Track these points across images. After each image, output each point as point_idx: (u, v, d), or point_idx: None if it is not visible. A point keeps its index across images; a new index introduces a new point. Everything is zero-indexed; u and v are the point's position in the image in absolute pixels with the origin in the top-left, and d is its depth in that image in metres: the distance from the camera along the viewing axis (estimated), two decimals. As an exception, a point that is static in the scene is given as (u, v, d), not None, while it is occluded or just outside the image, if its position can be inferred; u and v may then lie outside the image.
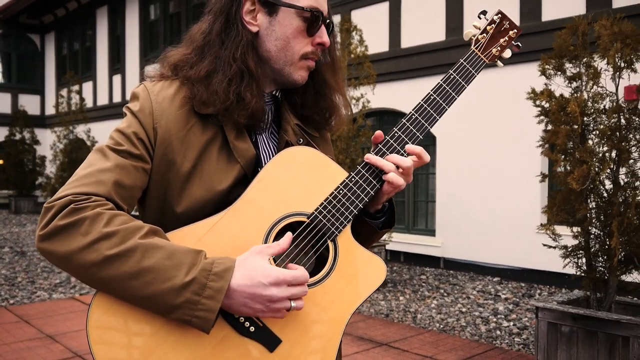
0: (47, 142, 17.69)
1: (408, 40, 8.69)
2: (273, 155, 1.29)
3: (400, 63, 8.69)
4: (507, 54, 1.38)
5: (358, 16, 8.98)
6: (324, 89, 1.38)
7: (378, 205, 1.31)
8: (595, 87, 3.80)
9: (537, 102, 4.00)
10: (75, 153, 14.80)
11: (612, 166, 3.71)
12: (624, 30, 3.62)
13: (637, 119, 3.68)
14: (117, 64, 16.05)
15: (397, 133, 1.27)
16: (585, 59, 3.85)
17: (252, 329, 1.12)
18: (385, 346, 4.65)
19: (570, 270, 4.03)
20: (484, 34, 1.36)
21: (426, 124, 1.28)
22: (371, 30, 8.50)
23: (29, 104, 18.80)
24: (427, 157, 1.26)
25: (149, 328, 1.08)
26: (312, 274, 1.17)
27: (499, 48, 1.36)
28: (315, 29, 1.26)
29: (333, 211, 1.19)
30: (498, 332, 5.13)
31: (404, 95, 8.52)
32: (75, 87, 16.06)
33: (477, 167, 7.67)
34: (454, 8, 8.07)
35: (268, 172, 1.20)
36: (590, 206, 3.78)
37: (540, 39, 6.56)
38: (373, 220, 1.32)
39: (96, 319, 1.08)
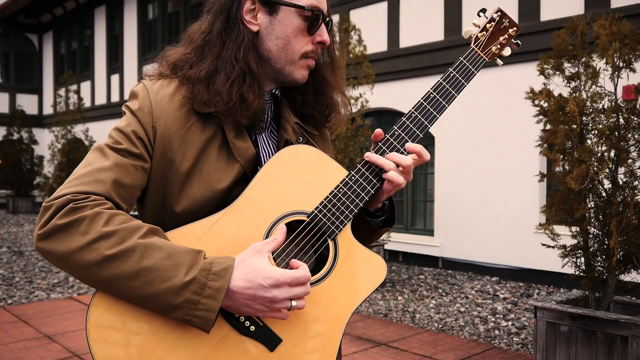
0: (45, 141, 17.66)
1: (406, 40, 8.69)
2: (272, 154, 1.29)
3: (398, 63, 8.69)
4: (507, 51, 1.38)
5: (357, 16, 8.98)
6: (323, 87, 1.38)
7: (378, 204, 1.31)
8: (593, 86, 3.81)
9: (536, 102, 4.00)
10: (73, 153, 14.76)
11: (610, 166, 3.71)
12: (622, 30, 3.62)
13: (635, 118, 3.68)
14: (115, 64, 16.03)
15: (397, 131, 1.27)
16: (583, 59, 3.85)
17: (252, 328, 1.12)
18: (383, 346, 4.65)
19: (569, 270, 4.03)
20: (484, 32, 1.36)
21: (426, 122, 1.28)
22: (370, 30, 8.50)
23: (27, 103, 18.76)
24: (427, 156, 1.26)
25: (148, 327, 1.08)
26: (312, 273, 1.16)
27: (498, 46, 1.36)
28: (315, 28, 1.26)
29: (333, 210, 1.19)
30: (497, 332, 5.13)
31: (402, 95, 8.52)
32: (73, 87, 16.04)
33: (475, 167, 7.67)
34: (452, 8, 8.07)
35: (268, 170, 1.20)
36: (589, 206, 3.78)
37: (539, 39, 6.56)
38: (373, 219, 1.32)
39: (96, 317, 1.07)
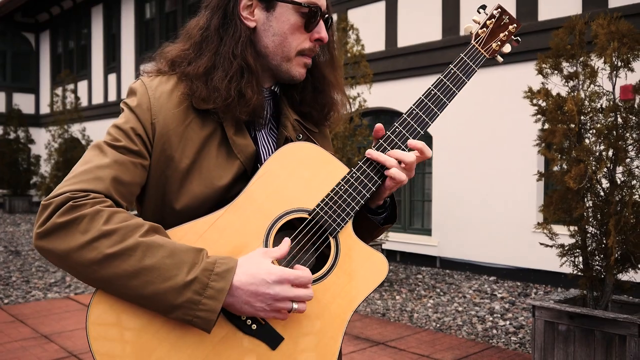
0: (42, 141, 17.61)
1: (404, 39, 8.69)
2: (272, 151, 1.28)
3: (396, 62, 8.69)
4: (507, 48, 1.38)
5: (354, 15, 8.98)
6: (323, 86, 1.37)
7: (379, 201, 1.30)
8: (592, 86, 3.81)
9: (534, 101, 4.00)
10: (70, 152, 14.71)
11: (608, 165, 3.71)
12: (621, 30, 3.62)
13: (633, 118, 3.68)
14: (112, 63, 15.99)
15: (398, 128, 1.26)
16: (582, 58, 3.85)
17: (254, 326, 1.11)
18: (381, 345, 4.64)
19: (567, 269, 4.04)
20: (484, 29, 1.35)
21: (427, 119, 1.27)
22: (367, 29, 8.49)
23: (24, 102, 18.70)
24: (429, 152, 1.25)
25: (149, 326, 1.07)
26: (313, 271, 1.15)
27: (499, 43, 1.36)
28: (313, 25, 1.25)
29: (334, 207, 1.18)
30: (494, 331, 5.14)
31: (400, 94, 8.52)
32: (70, 86, 15.99)
33: (473, 166, 7.67)
34: (450, 7, 8.07)
35: (269, 168, 1.19)
36: (587, 205, 3.79)
37: (537, 39, 6.56)
38: (375, 216, 1.31)
39: (96, 316, 1.07)
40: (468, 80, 1.32)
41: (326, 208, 1.18)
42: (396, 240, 8.35)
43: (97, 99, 16.52)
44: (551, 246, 3.98)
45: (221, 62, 1.22)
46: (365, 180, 1.22)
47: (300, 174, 1.19)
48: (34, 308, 5.81)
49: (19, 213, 16.24)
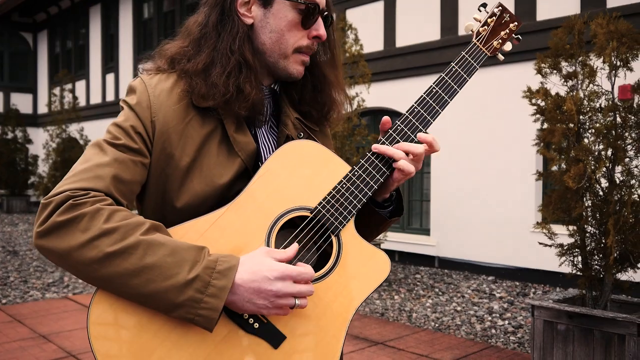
0: (40, 141, 17.58)
1: (403, 39, 8.69)
2: (273, 149, 1.28)
3: (395, 62, 8.69)
4: (508, 46, 1.38)
5: (353, 15, 8.98)
6: (323, 85, 1.36)
7: (386, 194, 1.30)
8: (591, 85, 3.81)
9: (533, 101, 4.00)
10: (67, 152, 14.69)
11: (607, 164, 3.72)
12: (620, 29, 3.62)
13: (632, 117, 3.69)
14: (110, 63, 15.97)
15: (400, 126, 1.26)
16: (581, 58, 3.85)
17: (256, 325, 1.11)
18: (380, 345, 4.64)
19: (566, 269, 4.04)
20: (485, 27, 1.35)
21: (429, 117, 1.27)
22: (366, 29, 8.49)
23: (21, 102, 18.67)
24: (438, 146, 1.26)
25: (150, 326, 1.06)
26: (315, 270, 1.15)
27: (500, 41, 1.35)
28: (311, 22, 1.25)
29: (337, 205, 1.18)
30: (493, 331, 5.14)
31: (398, 94, 8.52)
32: (68, 86, 15.96)
33: (471, 166, 7.67)
34: (448, 7, 8.07)
35: (270, 166, 1.18)
36: (586, 204, 3.79)
37: (535, 39, 6.57)
38: (381, 210, 1.31)
39: (97, 315, 1.06)
40: (470, 78, 1.32)
41: (328, 206, 1.18)
42: (395, 240, 8.35)
43: (95, 98, 16.50)
44: (550, 246, 3.98)
45: (219, 58, 1.21)
46: (368, 178, 1.21)
47: (301, 172, 1.19)
48: (32, 308, 5.79)
49: (16, 213, 16.21)
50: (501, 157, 7.37)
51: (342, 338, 1.15)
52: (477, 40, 1.33)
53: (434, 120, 1.28)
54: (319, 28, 1.26)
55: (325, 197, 1.18)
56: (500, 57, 1.39)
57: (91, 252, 1.03)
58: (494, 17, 1.35)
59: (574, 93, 3.83)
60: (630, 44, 3.62)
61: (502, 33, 1.36)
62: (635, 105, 3.70)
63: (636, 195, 3.68)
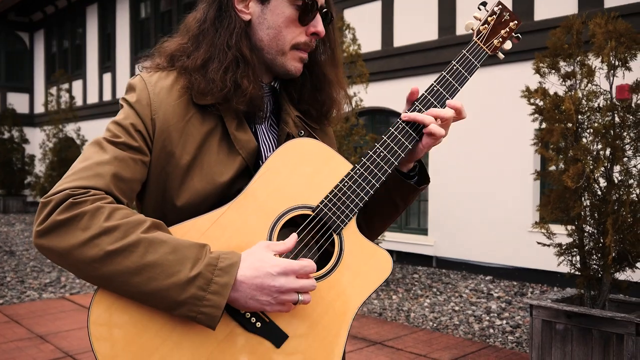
0: (36, 140, 17.52)
1: (400, 39, 8.70)
2: (273, 147, 1.27)
3: (392, 62, 8.69)
4: (508, 45, 1.38)
5: (351, 15, 8.97)
6: (322, 84, 1.35)
7: (410, 164, 1.32)
8: (589, 85, 3.81)
9: (532, 100, 4.00)
10: (64, 152, 14.64)
11: (606, 164, 3.72)
12: (618, 29, 3.63)
13: (631, 117, 3.69)
14: (107, 62, 15.93)
15: (401, 125, 1.26)
16: (579, 57, 3.86)
17: (258, 324, 1.10)
18: (379, 345, 4.63)
19: (564, 268, 4.04)
20: (485, 25, 1.35)
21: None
22: (364, 29, 8.49)
23: (18, 102, 18.61)
24: (465, 113, 1.28)
25: (151, 325, 1.06)
26: (317, 269, 1.14)
27: (500, 39, 1.35)
28: (308, 18, 1.24)
29: (338, 204, 1.17)
30: (491, 331, 5.14)
31: (396, 94, 8.51)
32: (65, 86, 15.91)
33: (469, 166, 7.68)
34: (446, 7, 8.07)
35: (271, 164, 1.18)
36: (585, 204, 3.79)
37: (533, 38, 6.57)
38: (409, 180, 1.32)
39: (97, 315, 1.05)
40: (470, 77, 1.32)
41: (330, 205, 1.17)
42: (392, 239, 8.36)
43: (92, 98, 16.46)
44: (549, 245, 3.98)
45: (217, 54, 1.21)
46: (376, 170, 1.21)
47: (303, 170, 1.18)
48: (29, 308, 5.77)
49: (13, 213, 16.16)
50: (499, 157, 7.38)
51: (345, 336, 1.14)
52: (478, 39, 1.33)
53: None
54: (317, 24, 1.25)
55: (327, 196, 1.18)
56: (501, 55, 1.39)
57: (92, 250, 1.02)
58: (494, 16, 1.35)
59: (573, 93, 3.83)
60: (628, 43, 3.62)
61: (502, 32, 1.36)
62: (633, 105, 3.70)
63: (634, 195, 3.69)
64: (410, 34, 8.54)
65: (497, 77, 7.15)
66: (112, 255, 1.02)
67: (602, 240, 3.71)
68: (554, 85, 3.97)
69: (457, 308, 5.90)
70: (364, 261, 1.17)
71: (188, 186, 1.17)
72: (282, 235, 1.15)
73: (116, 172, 1.11)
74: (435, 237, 8.13)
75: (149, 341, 1.05)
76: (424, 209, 8.57)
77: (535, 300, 3.77)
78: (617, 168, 3.74)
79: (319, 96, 1.35)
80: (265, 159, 1.21)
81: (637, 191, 3.70)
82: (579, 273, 3.85)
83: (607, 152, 3.73)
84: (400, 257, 8.55)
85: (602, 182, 3.79)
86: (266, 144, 1.28)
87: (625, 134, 3.71)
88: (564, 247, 3.92)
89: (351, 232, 1.18)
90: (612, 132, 3.70)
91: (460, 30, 7.86)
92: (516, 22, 1.36)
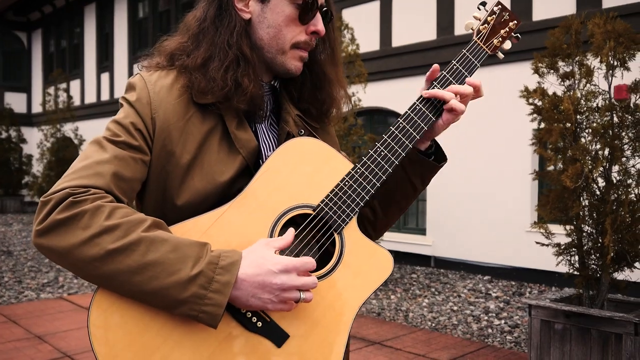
0: (34, 140, 17.49)
1: (399, 39, 8.70)
2: (274, 146, 1.27)
3: (391, 62, 8.69)
4: (508, 45, 1.38)
5: (349, 15, 8.97)
6: (322, 83, 1.35)
7: (427, 143, 1.34)
8: (588, 85, 3.81)
9: (530, 101, 4.00)
10: (62, 152, 14.62)
11: (605, 164, 3.72)
12: (617, 29, 3.63)
13: (629, 117, 3.69)
14: (105, 62, 15.91)
15: (403, 123, 1.26)
16: (578, 58, 3.86)
17: (259, 324, 1.10)
18: (377, 345, 4.63)
19: (563, 268, 4.04)
20: (485, 25, 1.35)
21: (430, 115, 1.27)
22: (362, 29, 8.49)
23: (16, 102, 18.57)
24: (483, 92, 1.31)
25: (152, 324, 1.05)
26: (317, 269, 1.14)
27: (500, 39, 1.36)
28: (308, 17, 1.24)
29: (339, 203, 1.17)
30: (490, 331, 5.14)
31: (394, 94, 8.52)
32: (63, 85, 15.89)
33: (467, 166, 7.68)
34: (445, 7, 8.08)
35: (272, 163, 1.17)
36: (584, 204, 3.79)
37: (531, 39, 6.58)
38: (428, 158, 1.34)
39: (97, 316, 1.04)
40: (470, 76, 1.32)
41: (331, 204, 1.17)
42: (390, 239, 8.36)
43: (90, 98, 16.43)
44: (547, 245, 3.99)
45: (217, 53, 1.21)
46: (377, 169, 1.20)
47: (303, 169, 1.18)
48: (26, 308, 5.76)
49: (10, 213, 16.13)
50: (497, 157, 7.38)
51: (346, 336, 1.14)
52: (478, 38, 1.33)
53: (435, 118, 1.28)
54: (317, 23, 1.25)
55: (328, 195, 1.17)
56: (500, 55, 1.39)
57: (92, 249, 1.02)
58: (493, 16, 1.36)
59: (571, 93, 3.83)
60: (627, 43, 3.63)
61: (502, 31, 1.36)
62: (632, 105, 3.71)
63: (633, 195, 3.69)
64: (409, 34, 8.54)
65: (496, 77, 7.16)
66: (113, 254, 1.02)
67: (600, 240, 3.71)
68: (553, 85, 3.98)
69: (455, 308, 5.90)
70: (364, 260, 1.17)
71: (188, 185, 1.16)
72: (283, 235, 1.15)
73: (116, 171, 1.11)
74: (434, 237, 8.13)
75: (150, 340, 1.04)
76: (422, 208, 8.58)
77: (534, 300, 3.77)
78: (615, 168, 3.74)
79: (319, 95, 1.35)
80: (266, 158, 1.20)
81: (636, 191, 3.70)
82: (578, 273, 3.86)
83: (606, 152, 3.73)
84: (398, 257, 8.55)
85: (601, 182, 3.80)
86: (266, 143, 1.27)
87: (623, 134, 3.72)
88: (562, 247, 3.92)
89: (352, 232, 1.18)
90: (610, 132, 3.70)
91: (459, 30, 7.86)
92: (515, 21, 1.37)
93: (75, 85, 16.96)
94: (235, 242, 1.11)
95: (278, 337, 1.10)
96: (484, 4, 1.39)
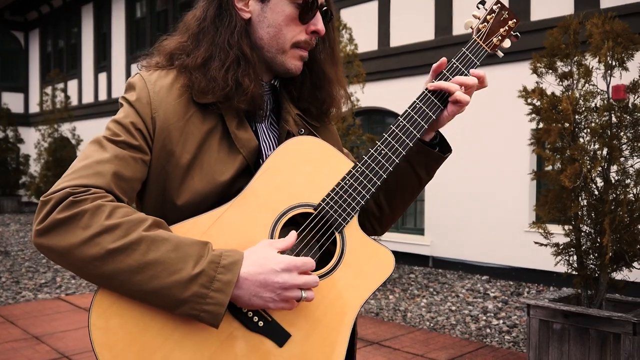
0: (31, 140, 17.45)
1: (397, 39, 8.70)
2: (274, 146, 1.27)
3: (389, 62, 8.69)
4: (507, 43, 1.39)
5: (347, 15, 8.97)
6: (322, 82, 1.35)
7: (431, 134, 1.35)
8: (586, 85, 3.82)
9: (529, 100, 4.01)
10: (59, 152, 14.59)
11: (603, 164, 3.73)
12: (615, 29, 3.64)
13: (628, 117, 3.70)
14: (102, 62, 15.88)
15: (403, 122, 1.25)
16: (576, 58, 3.86)
17: (260, 323, 1.09)
18: (376, 345, 4.63)
19: (561, 268, 4.05)
20: (485, 24, 1.35)
21: (431, 114, 1.27)
22: (360, 29, 8.49)
23: (13, 102, 18.51)
24: (487, 83, 1.32)
25: (153, 324, 1.05)
26: (317, 269, 1.14)
27: (499, 37, 1.36)
28: (308, 16, 1.24)
29: (340, 202, 1.17)
30: (488, 330, 5.14)
31: (392, 94, 8.52)
32: (60, 85, 15.85)
33: (465, 165, 7.69)
34: (443, 7, 8.08)
35: (272, 162, 1.17)
36: (582, 204, 3.80)
37: (529, 39, 6.57)
38: (433, 149, 1.34)
39: (98, 315, 1.04)
40: (470, 75, 1.32)
41: (332, 203, 1.17)
42: (389, 239, 8.36)
43: (88, 98, 16.40)
44: (546, 245, 3.99)
45: (217, 53, 1.21)
46: (377, 168, 1.20)
47: (304, 168, 1.18)
48: (24, 309, 5.74)
49: (7, 213, 16.09)
50: (495, 157, 7.39)
51: (347, 335, 1.13)
52: (477, 37, 1.34)
53: (436, 117, 1.28)
54: (317, 23, 1.25)
55: (329, 194, 1.17)
56: (500, 54, 1.39)
57: (93, 249, 1.01)
58: (493, 14, 1.36)
59: (570, 93, 3.84)
60: (625, 44, 3.63)
61: (502, 30, 1.36)
62: (630, 105, 3.71)
63: (631, 195, 3.70)
64: (407, 34, 8.54)
65: (494, 77, 7.14)
66: (114, 254, 1.01)
67: (599, 240, 3.72)
68: (551, 85, 3.98)
69: (453, 308, 5.90)
70: (365, 259, 1.16)
71: (188, 185, 1.16)
72: (284, 234, 1.15)
73: (117, 171, 1.11)
74: (432, 237, 8.13)
75: (151, 340, 1.04)
76: (421, 208, 8.58)
77: (533, 300, 3.77)
78: (614, 168, 3.75)
79: (318, 94, 1.35)
80: (266, 157, 1.20)
81: (634, 191, 3.71)
82: (576, 273, 3.86)
83: (604, 152, 3.74)
84: (396, 257, 8.49)
85: (599, 182, 3.80)
86: (267, 142, 1.27)
87: (622, 133, 3.72)
88: (561, 247, 3.92)
89: (353, 230, 1.17)
90: (609, 132, 3.71)
91: (457, 30, 7.87)
92: (515, 20, 1.37)
93: (72, 85, 16.92)
94: (236, 242, 1.11)
95: (279, 336, 1.09)
96: (483, 2, 1.39)
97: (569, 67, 3.90)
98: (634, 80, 3.72)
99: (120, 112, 1.20)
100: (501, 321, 5.41)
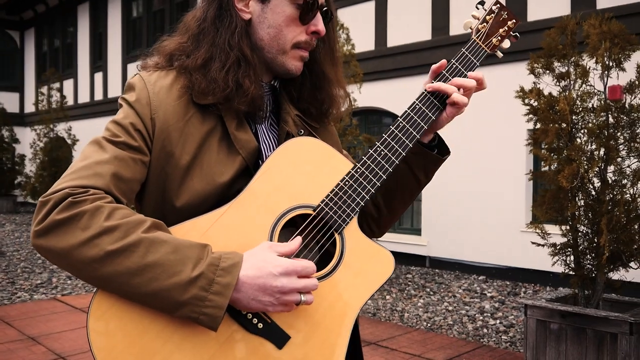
0: (27, 140, 17.37)
1: (394, 39, 8.70)
2: (273, 147, 1.27)
3: (386, 62, 8.69)
4: (506, 44, 1.38)
5: (345, 15, 8.97)
6: (322, 82, 1.35)
7: (430, 136, 1.34)
8: (583, 85, 3.83)
9: (526, 101, 4.01)
10: (55, 152, 14.53)
11: (600, 164, 3.74)
12: (612, 30, 3.65)
13: (624, 117, 3.71)
14: (98, 62, 15.84)
15: (402, 122, 1.25)
16: (573, 58, 3.87)
17: (260, 325, 1.09)
18: (373, 345, 4.63)
19: (558, 268, 4.05)
20: (484, 24, 1.35)
21: (430, 114, 1.27)
22: (357, 29, 8.48)
23: (8, 101, 18.43)
24: (486, 84, 1.31)
25: (152, 327, 1.04)
26: (318, 269, 1.13)
27: (499, 38, 1.36)
28: (309, 17, 1.23)
29: (340, 203, 1.16)
30: (485, 330, 5.15)
31: (389, 94, 8.52)
32: (56, 85, 15.79)
33: (462, 165, 7.69)
34: (439, 8, 8.09)
35: (272, 163, 1.16)
36: (579, 204, 3.81)
37: (526, 39, 6.59)
38: (432, 151, 1.34)
39: (96, 318, 1.03)
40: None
41: (331, 204, 1.16)
42: (386, 239, 8.35)
43: (84, 97, 16.36)
44: (543, 245, 4.00)
45: (218, 54, 1.20)
46: (377, 168, 1.20)
47: (303, 169, 1.17)
48: (20, 310, 5.72)
49: (3, 213, 16.02)
50: (492, 157, 7.40)
51: (347, 336, 1.13)
52: (477, 37, 1.33)
53: (435, 118, 1.28)
54: (318, 23, 1.25)
55: (328, 195, 1.17)
56: (499, 54, 1.39)
57: (92, 250, 1.00)
58: (492, 15, 1.36)
59: (567, 93, 3.85)
60: (622, 44, 3.64)
61: (501, 30, 1.36)
62: (627, 105, 3.72)
63: (628, 195, 3.71)
64: (404, 34, 8.55)
65: (492, 78, 7.15)
66: (113, 256, 1.00)
67: (596, 240, 3.73)
68: (549, 85, 3.99)
69: (450, 308, 5.91)
70: (365, 261, 1.16)
71: (188, 186, 1.15)
72: (283, 235, 1.14)
73: (116, 172, 1.10)
74: (429, 237, 8.14)
75: (150, 343, 1.03)
76: (417, 209, 8.59)
77: (530, 300, 3.78)
78: (611, 168, 3.76)
79: (318, 95, 1.34)
80: (266, 158, 1.20)
81: (631, 191, 3.72)
82: (573, 273, 3.87)
83: (601, 152, 3.75)
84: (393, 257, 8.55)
85: (597, 182, 3.81)
86: (266, 143, 1.27)
87: (619, 134, 3.73)
88: (558, 247, 3.93)
89: (353, 231, 1.17)
90: (606, 132, 3.72)
91: (453, 30, 7.87)
92: (514, 20, 1.37)
93: (68, 84, 16.87)
94: (235, 243, 1.10)
95: (279, 338, 1.09)
96: (482, 3, 1.38)
97: (566, 68, 3.91)
98: (630, 80, 3.73)
99: (120, 113, 1.19)
100: (498, 321, 5.42)
